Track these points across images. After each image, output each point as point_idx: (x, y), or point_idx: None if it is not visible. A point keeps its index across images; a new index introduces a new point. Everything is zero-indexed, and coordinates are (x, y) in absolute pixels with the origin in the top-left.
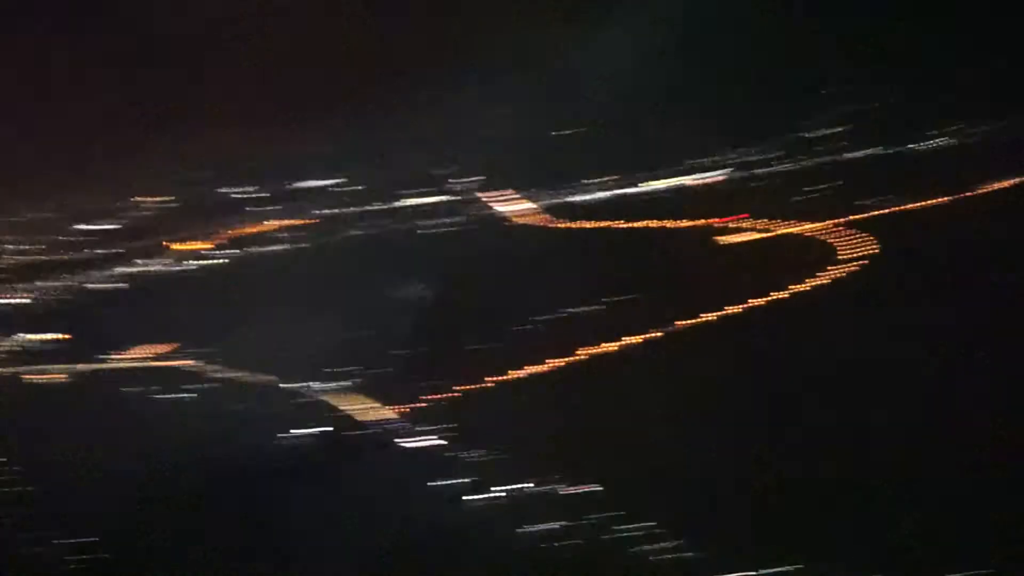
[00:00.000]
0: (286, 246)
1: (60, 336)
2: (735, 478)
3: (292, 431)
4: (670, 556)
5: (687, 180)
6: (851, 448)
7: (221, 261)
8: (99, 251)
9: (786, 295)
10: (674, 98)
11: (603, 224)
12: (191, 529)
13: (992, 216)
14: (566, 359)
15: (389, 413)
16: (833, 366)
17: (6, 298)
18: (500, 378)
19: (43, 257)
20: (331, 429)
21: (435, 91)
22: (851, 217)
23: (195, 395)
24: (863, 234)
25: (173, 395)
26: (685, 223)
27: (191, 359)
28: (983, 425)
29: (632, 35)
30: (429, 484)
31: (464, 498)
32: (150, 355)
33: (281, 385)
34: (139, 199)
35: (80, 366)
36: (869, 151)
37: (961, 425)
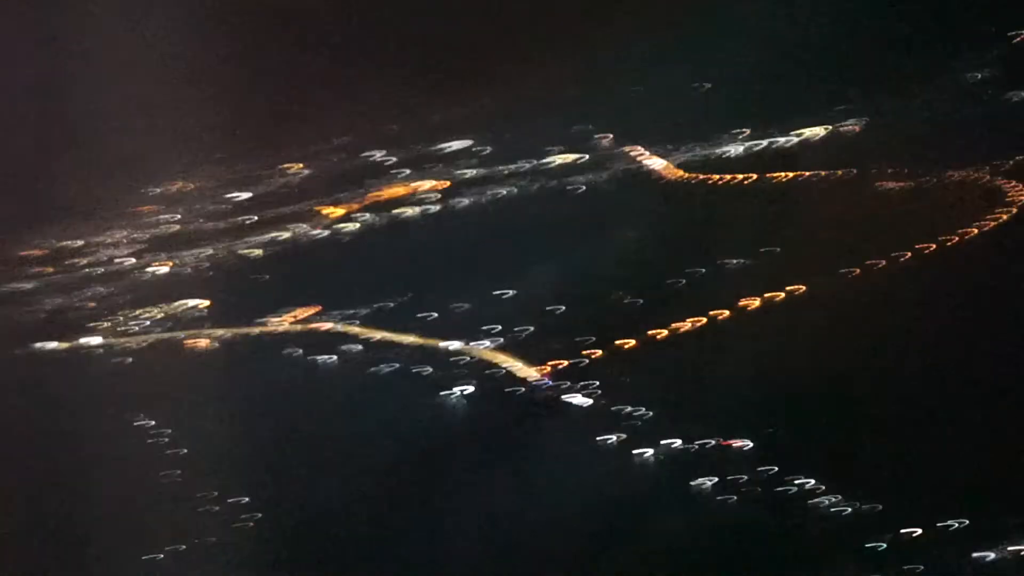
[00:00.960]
0: (431, 207)
1: (207, 302)
2: (892, 433)
3: (453, 389)
4: (839, 511)
5: (836, 128)
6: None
7: (365, 224)
8: (245, 218)
9: (949, 242)
10: (817, 49)
11: (754, 176)
12: (356, 491)
13: None
14: (723, 312)
15: (547, 370)
16: (1002, 317)
17: (154, 266)
18: (656, 333)
19: (191, 226)
20: (491, 387)
21: (570, 51)
22: (1007, 163)
23: (350, 357)
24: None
25: (325, 356)
26: (841, 172)
27: (339, 322)
28: None
29: None
30: (597, 439)
31: (634, 452)
32: (299, 318)
33: (437, 344)
34: (284, 166)
35: (229, 331)
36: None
37: None
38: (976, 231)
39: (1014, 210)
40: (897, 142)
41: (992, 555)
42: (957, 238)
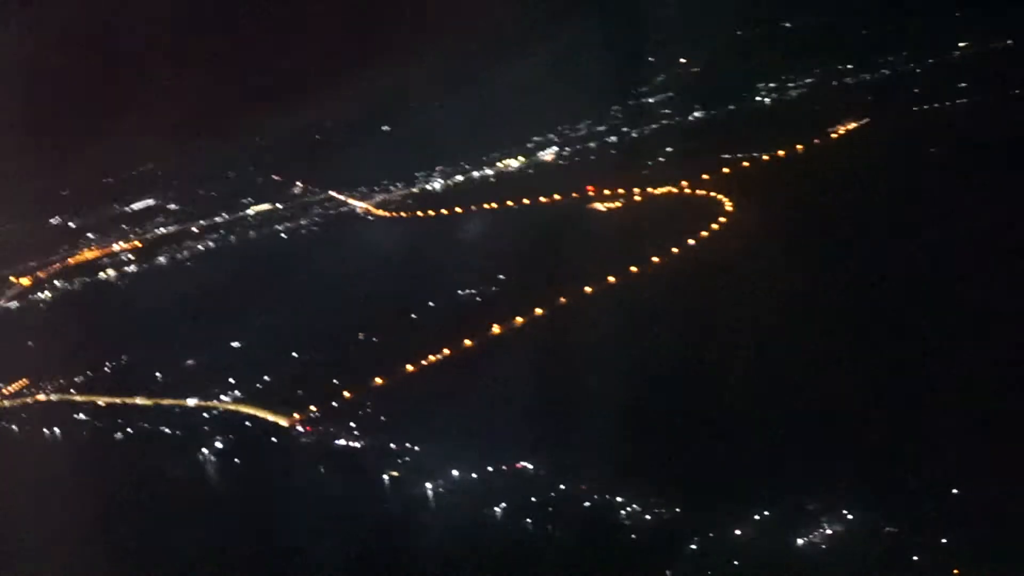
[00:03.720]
0: (128, 268)
1: None
2: (671, 438)
3: (202, 446)
4: (642, 520)
5: (537, 157)
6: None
7: (60, 291)
8: None
9: (676, 253)
10: (507, 85)
11: (459, 209)
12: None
13: (839, 160)
14: (465, 342)
15: (300, 417)
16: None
17: None
18: (403, 369)
19: None
20: (244, 440)
21: (263, 98)
22: (707, 175)
23: (79, 426)
24: (723, 190)
25: (50, 429)
26: (554, 197)
27: (54, 392)
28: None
29: (462, 28)
30: (374, 479)
31: (427, 485)
32: (7, 393)
33: (173, 403)
34: None
35: None
36: (702, 114)
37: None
38: (695, 241)
39: (724, 220)
40: (593, 166)
41: (808, 539)
42: (679, 249)
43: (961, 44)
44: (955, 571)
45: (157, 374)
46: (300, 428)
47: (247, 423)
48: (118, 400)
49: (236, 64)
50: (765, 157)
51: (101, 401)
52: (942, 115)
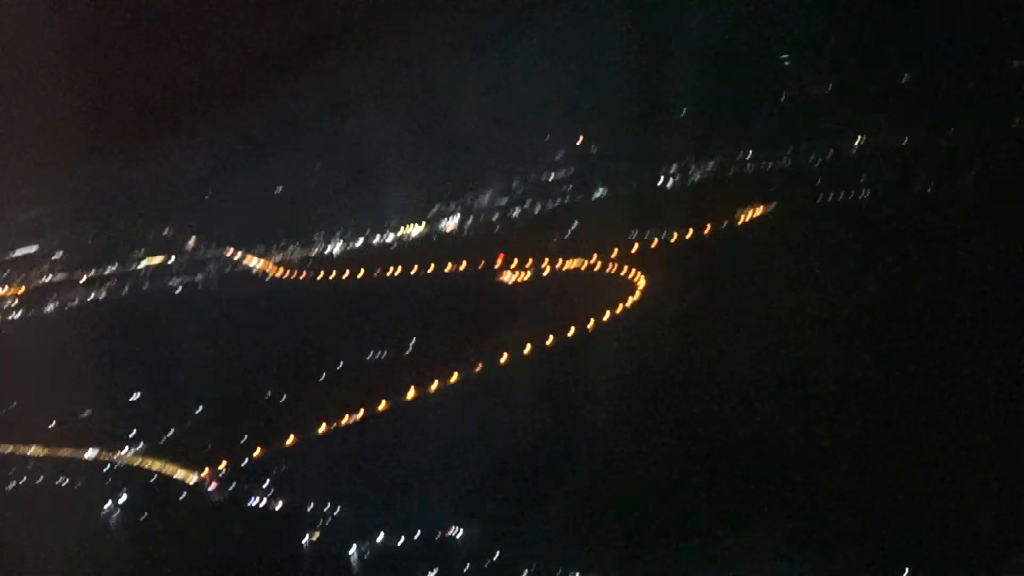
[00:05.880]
0: (11, 314)
1: None
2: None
3: (106, 500)
4: None
5: (439, 226)
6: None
7: None
8: None
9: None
10: (406, 151)
11: (366, 273)
12: None
13: (749, 243)
14: (379, 405)
15: (207, 472)
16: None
17: None
18: (315, 429)
19: None
20: (149, 494)
21: (154, 153)
22: (616, 252)
23: None
24: (631, 266)
25: None
26: (462, 266)
27: None
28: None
29: (362, 89)
30: (302, 541)
31: (349, 553)
32: None
33: (71, 454)
34: None
35: None
36: (606, 193)
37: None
38: (609, 314)
39: (638, 296)
40: (497, 238)
41: None
42: (595, 322)
43: (859, 139)
44: None
45: (51, 423)
46: (209, 485)
47: (151, 479)
48: (9, 448)
49: (118, 112)
50: (674, 237)
51: None
52: (844, 206)
